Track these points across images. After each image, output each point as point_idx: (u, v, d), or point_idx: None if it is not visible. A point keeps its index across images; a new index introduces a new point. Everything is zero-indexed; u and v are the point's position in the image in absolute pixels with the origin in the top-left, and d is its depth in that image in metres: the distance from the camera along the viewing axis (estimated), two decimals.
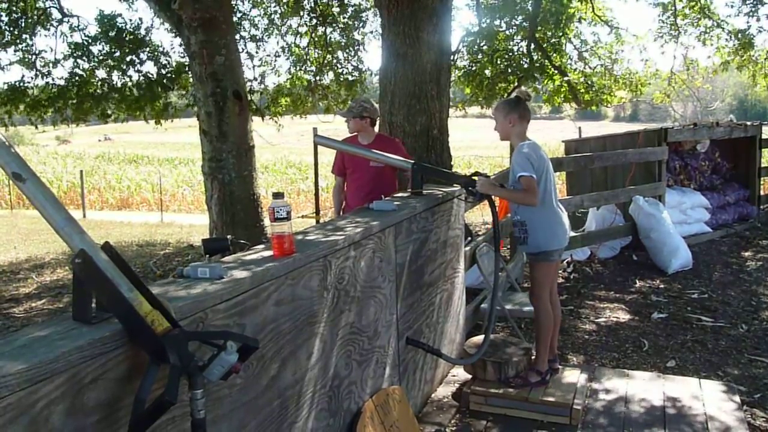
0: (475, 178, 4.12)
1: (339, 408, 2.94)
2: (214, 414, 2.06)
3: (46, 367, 1.52)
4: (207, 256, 2.60)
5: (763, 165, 10.99)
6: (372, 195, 4.39)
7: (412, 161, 4.26)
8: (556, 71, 12.59)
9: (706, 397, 4.18)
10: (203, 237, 2.84)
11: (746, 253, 8.68)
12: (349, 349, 3.00)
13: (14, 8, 10.45)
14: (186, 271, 2.26)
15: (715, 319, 6.13)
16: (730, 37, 13.17)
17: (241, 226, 6.20)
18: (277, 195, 2.58)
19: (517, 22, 12.94)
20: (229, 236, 2.80)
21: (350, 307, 3.00)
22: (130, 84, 11.74)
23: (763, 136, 10.69)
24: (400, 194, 4.30)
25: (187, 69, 10.84)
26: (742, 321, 6.06)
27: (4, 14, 10.24)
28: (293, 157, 30.82)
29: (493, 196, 4.18)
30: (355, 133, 5.19)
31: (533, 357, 4.26)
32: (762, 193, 11.05)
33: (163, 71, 11.69)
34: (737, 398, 4.18)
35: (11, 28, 10.39)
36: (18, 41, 10.24)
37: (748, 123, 10.52)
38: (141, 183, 26.33)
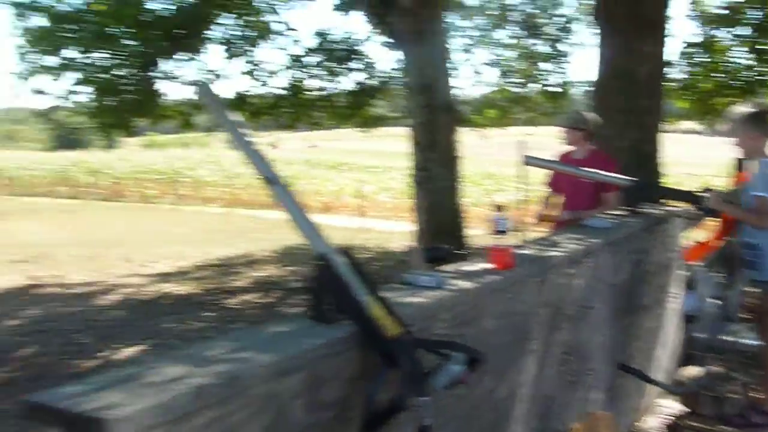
0: (706, 194, 3.86)
1: (546, 428, 2.87)
2: (437, 423, 2.08)
3: (291, 362, 1.61)
4: (427, 263, 2.64)
5: None
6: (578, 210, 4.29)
7: (636, 179, 4.07)
8: None
9: None
10: (409, 244, 2.89)
11: None
12: (561, 369, 2.93)
13: (242, 22, 11.32)
14: (407, 278, 2.31)
15: None
16: None
17: (444, 235, 6.28)
18: (500, 207, 2.57)
19: (739, 32, 12.03)
20: (447, 246, 2.83)
21: (564, 326, 2.92)
22: (339, 92, 12.25)
23: None
24: (614, 212, 4.14)
25: (391, 80, 11.18)
26: None
27: (235, 29, 11.10)
28: (493, 168, 30.73)
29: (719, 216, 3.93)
30: (569, 149, 5.04)
31: (757, 395, 3.92)
32: None
33: (371, 81, 12.09)
34: None
35: (239, 41, 11.23)
36: (246, 53, 11.05)
37: None
38: (344, 187, 27.43)
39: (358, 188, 24.85)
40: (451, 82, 7.03)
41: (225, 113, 1.98)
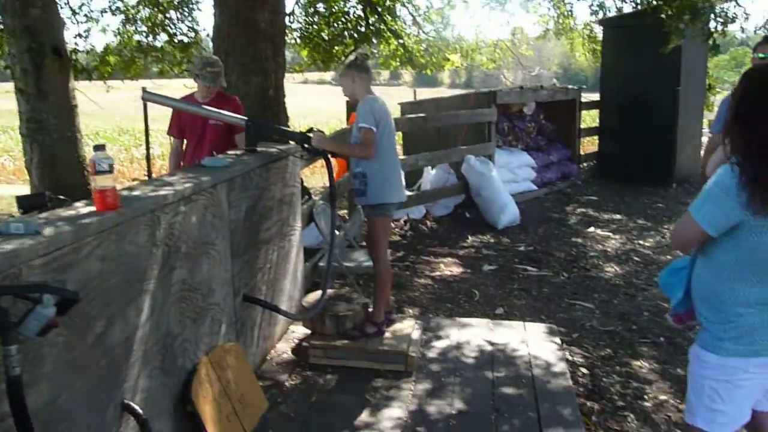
0: (310, 134, 4.13)
1: (173, 366, 2.88)
2: (34, 374, 1.95)
3: None
4: (23, 212, 2.44)
5: (582, 126, 11.78)
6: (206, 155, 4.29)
7: (246, 118, 4.18)
8: (391, 35, 12.78)
9: (530, 338, 4.48)
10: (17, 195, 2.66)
11: (568, 209, 9.32)
12: (182, 306, 2.94)
13: None
14: None
15: (539, 269, 6.56)
16: (552, 5, 13.91)
17: (65, 191, 5.84)
18: (98, 147, 2.46)
19: None
20: (47, 192, 2.65)
21: (182, 264, 2.93)
22: None
23: (583, 101, 11.46)
24: (233, 151, 4.24)
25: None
26: (563, 270, 6.52)
27: None
28: (126, 123, 29.38)
29: (329, 154, 4.23)
30: (193, 92, 5.07)
31: (370, 310, 4.37)
32: (582, 152, 11.85)
33: None
34: (558, 339, 4.51)
35: None
36: None
37: (570, 87, 11.23)
38: None
39: None
40: (61, 25, 6.48)
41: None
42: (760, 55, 4.65)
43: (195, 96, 5.05)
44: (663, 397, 4.05)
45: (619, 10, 12.00)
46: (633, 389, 4.16)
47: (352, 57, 4.39)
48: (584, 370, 4.39)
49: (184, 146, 5.20)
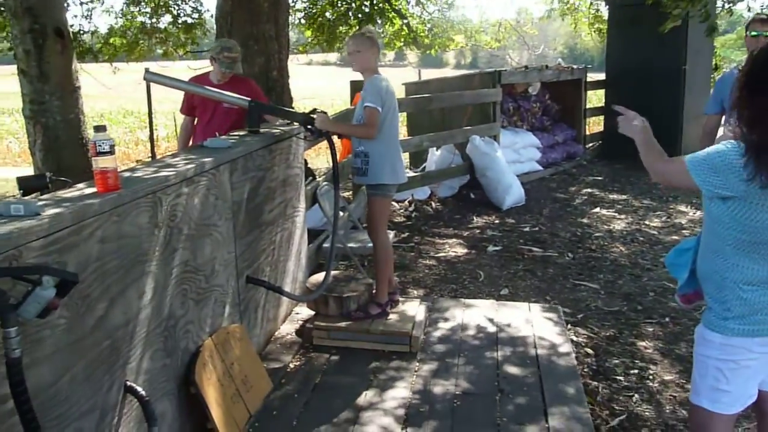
0: (313, 115, 4.10)
1: (176, 348, 2.88)
2: (35, 356, 1.95)
3: None
4: (23, 194, 2.43)
5: (588, 106, 11.71)
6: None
7: (249, 99, 4.16)
8: (396, 14, 12.70)
9: (535, 319, 4.46)
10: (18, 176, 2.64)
11: (573, 189, 9.28)
12: (184, 288, 2.93)
13: None
14: None
15: (544, 249, 6.54)
16: None
17: (69, 173, 5.83)
18: (99, 128, 2.44)
19: None
20: (48, 173, 2.63)
21: (184, 245, 2.92)
22: None
23: (588, 80, 11.38)
24: (236, 132, 4.21)
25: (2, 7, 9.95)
26: (568, 250, 6.50)
27: None
28: (131, 105, 29.37)
29: (332, 136, 4.20)
30: (207, 72, 5.12)
31: (374, 291, 4.36)
32: (587, 132, 11.78)
33: None
34: (562, 319, 4.50)
35: None
36: None
37: (575, 66, 11.14)
38: None
39: None
40: (63, 4, 6.45)
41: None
42: (753, 33, 4.62)
43: (210, 77, 5.06)
44: (668, 378, 4.04)
45: None
46: (638, 369, 4.15)
47: (361, 31, 4.34)
48: (589, 351, 4.38)
49: (194, 124, 5.25)
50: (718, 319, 2.36)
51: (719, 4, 8.84)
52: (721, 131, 4.87)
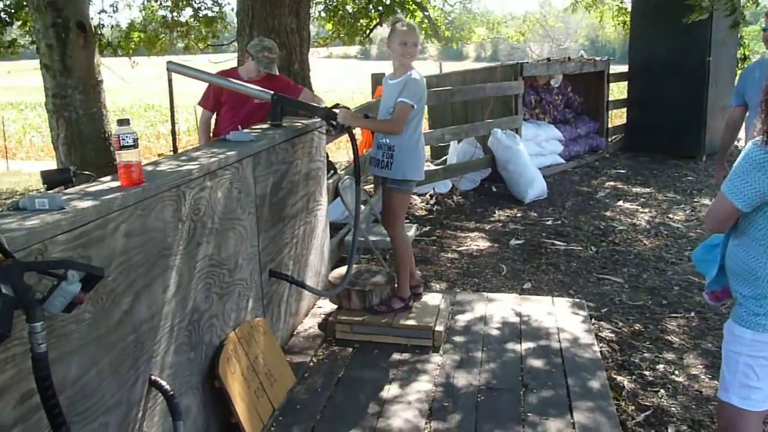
0: (336, 110, 4.07)
1: (200, 342, 2.88)
2: (61, 351, 1.95)
3: None
4: (47, 188, 2.44)
5: (610, 99, 11.59)
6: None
7: (272, 92, 4.14)
8: (417, 7, 12.63)
9: (558, 313, 4.43)
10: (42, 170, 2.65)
11: (595, 182, 9.20)
12: (208, 282, 2.93)
13: None
14: (22, 203, 2.10)
15: (567, 243, 6.48)
16: None
17: (92, 167, 5.88)
18: (122, 122, 2.44)
19: None
20: (72, 167, 2.64)
21: (208, 240, 2.92)
22: None
23: (611, 73, 11.25)
24: (258, 126, 4.20)
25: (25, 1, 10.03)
26: (591, 244, 6.44)
27: None
28: (152, 99, 29.57)
29: (353, 130, 4.18)
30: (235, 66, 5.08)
31: (396, 285, 4.34)
32: (609, 125, 11.67)
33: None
34: (586, 313, 4.45)
35: None
36: None
37: (597, 58, 11.03)
38: None
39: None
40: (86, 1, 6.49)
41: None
42: (766, 27, 4.54)
43: (238, 71, 5.02)
44: (694, 373, 3.99)
45: None
46: (664, 364, 4.10)
47: (406, 22, 4.32)
48: (614, 345, 4.34)
49: (213, 119, 5.19)
50: (749, 314, 2.32)
51: None
52: (742, 133, 4.81)
